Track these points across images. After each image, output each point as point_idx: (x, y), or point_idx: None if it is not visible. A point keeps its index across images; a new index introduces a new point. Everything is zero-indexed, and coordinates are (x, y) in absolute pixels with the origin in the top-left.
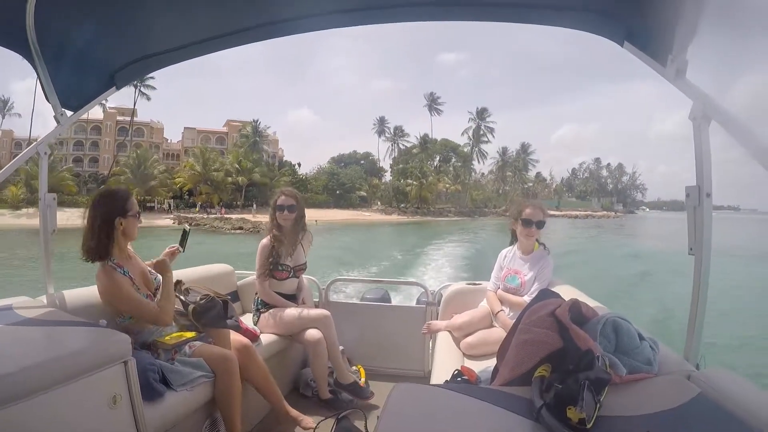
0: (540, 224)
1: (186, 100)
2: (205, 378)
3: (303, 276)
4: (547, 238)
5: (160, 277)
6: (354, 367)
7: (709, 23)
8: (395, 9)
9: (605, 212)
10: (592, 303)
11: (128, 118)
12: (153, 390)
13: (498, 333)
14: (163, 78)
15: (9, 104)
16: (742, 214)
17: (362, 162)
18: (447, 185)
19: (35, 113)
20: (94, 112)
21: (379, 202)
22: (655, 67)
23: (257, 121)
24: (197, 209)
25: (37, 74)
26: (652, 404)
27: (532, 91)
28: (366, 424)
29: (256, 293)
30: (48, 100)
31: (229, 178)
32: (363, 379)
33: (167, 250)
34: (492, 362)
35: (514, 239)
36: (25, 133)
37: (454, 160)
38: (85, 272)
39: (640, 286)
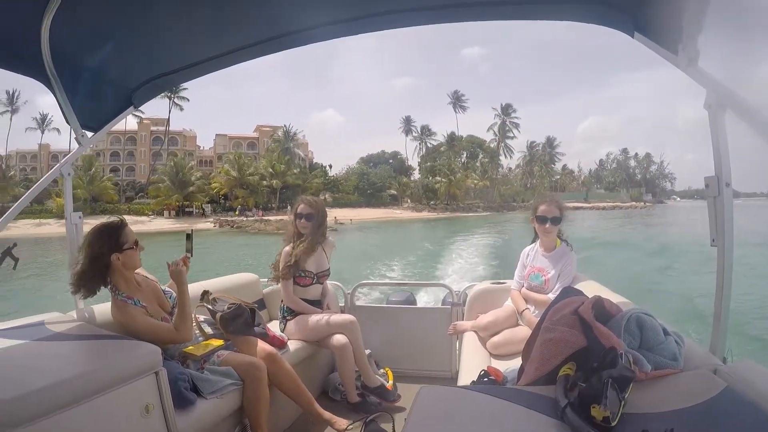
0: (555, 220)
1: (211, 107)
2: (234, 386)
3: (327, 282)
4: (573, 232)
5: (174, 294)
6: (382, 370)
7: (717, 10)
8: (401, 14)
9: (633, 203)
10: (616, 298)
11: (161, 128)
12: (184, 398)
13: (524, 332)
14: (187, 88)
15: (47, 120)
16: None
17: (391, 161)
18: (475, 181)
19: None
20: (129, 123)
21: (409, 200)
22: (667, 57)
23: (289, 125)
24: (237, 212)
25: (56, 98)
26: (678, 400)
27: (555, 84)
28: (393, 426)
29: (282, 301)
30: (68, 123)
31: (264, 182)
32: (390, 382)
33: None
34: (518, 361)
35: (536, 236)
36: (62, 145)
37: (481, 156)
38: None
39: (666, 279)
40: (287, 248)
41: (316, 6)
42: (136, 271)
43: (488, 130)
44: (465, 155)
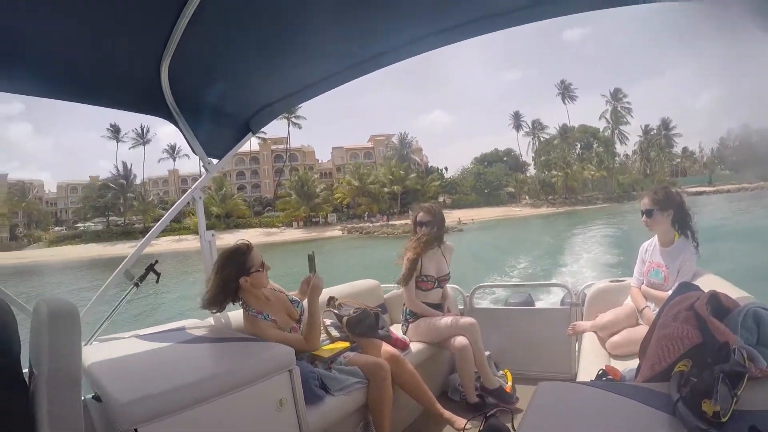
0: (648, 213)
1: (322, 121)
2: (359, 384)
3: (447, 285)
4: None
5: (302, 304)
6: (501, 372)
7: None
8: (504, 16)
9: (760, 183)
10: (736, 293)
11: (281, 146)
12: (314, 394)
13: (644, 331)
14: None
15: (177, 149)
16: None
17: (505, 159)
18: (592, 172)
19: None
20: (252, 145)
21: (526, 197)
22: None
23: (404, 133)
24: (365, 219)
25: (182, 132)
26: None
27: (665, 55)
28: (513, 422)
29: (404, 304)
30: (195, 153)
31: (385, 189)
32: (510, 383)
33: (303, 281)
34: (638, 361)
35: None
36: (187, 169)
37: (596, 145)
38: None
39: None
40: (409, 254)
41: (425, 17)
42: None
43: (600, 118)
44: (579, 146)
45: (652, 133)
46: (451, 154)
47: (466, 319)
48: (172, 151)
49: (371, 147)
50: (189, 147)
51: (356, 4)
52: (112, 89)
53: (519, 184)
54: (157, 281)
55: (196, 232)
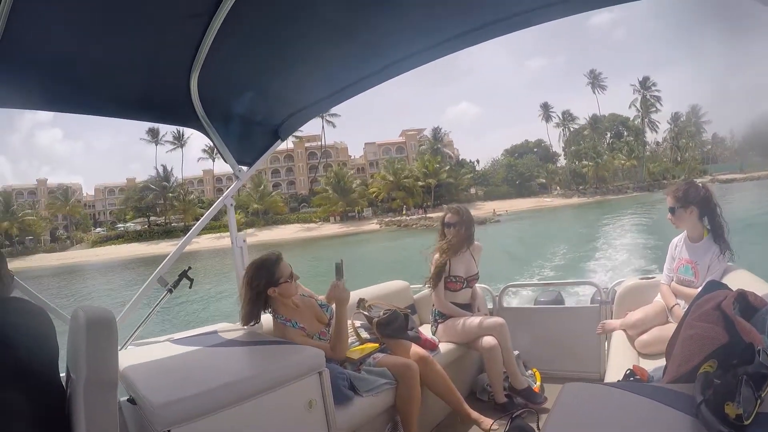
0: (671, 210)
1: (350, 116)
2: (388, 385)
3: (476, 285)
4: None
5: (332, 308)
6: (529, 371)
7: None
8: (530, 13)
9: None
10: (767, 289)
11: (314, 144)
12: (343, 395)
13: (673, 329)
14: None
15: (214, 153)
16: None
17: (536, 150)
18: (622, 161)
19: None
20: (287, 143)
21: (557, 187)
22: None
23: (438, 127)
24: (404, 212)
25: (212, 142)
26: None
27: (699, 37)
28: (538, 423)
29: (433, 305)
30: (225, 161)
31: (419, 183)
32: (538, 383)
33: (330, 286)
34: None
35: None
36: (225, 168)
37: (626, 134)
38: None
39: None
40: (437, 255)
41: (451, 18)
42: None
43: (630, 107)
44: (609, 136)
45: (681, 120)
46: (481, 145)
47: (495, 319)
48: (211, 152)
49: (403, 142)
50: (220, 155)
51: (377, 13)
52: (144, 103)
53: (550, 175)
54: (190, 287)
55: (238, 228)
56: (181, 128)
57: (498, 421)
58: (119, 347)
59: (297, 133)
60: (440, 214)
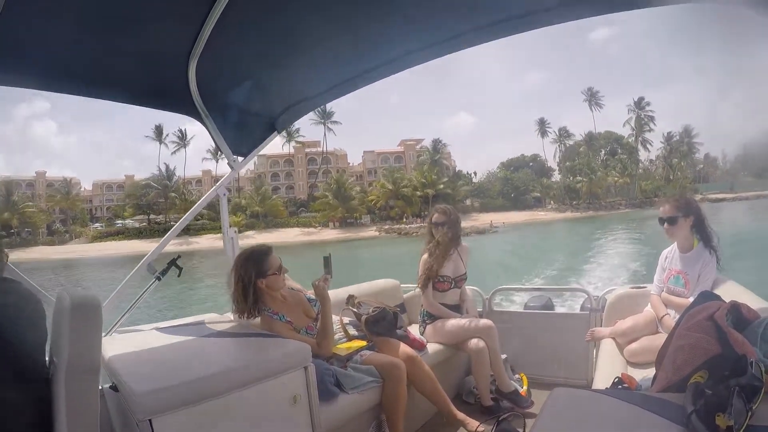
0: (671, 220)
1: (348, 123)
2: (374, 383)
3: (466, 286)
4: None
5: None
6: (517, 375)
7: None
8: (535, 15)
9: None
10: (757, 303)
11: (314, 150)
12: (328, 392)
13: (663, 339)
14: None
15: (219, 154)
16: None
17: (531, 164)
18: (615, 178)
19: None
20: (288, 147)
21: (551, 201)
22: None
23: (439, 139)
24: (404, 220)
25: (208, 130)
26: None
27: (691, 58)
28: (524, 428)
29: (422, 305)
30: (221, 150)
31: (418, 192)
32: (525, 387)
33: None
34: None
35: None
36: (225, 169)
37: (620, 152)
38: None
39: None
40: (425, 256)
41: (451, 18)
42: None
43: (624, 125)
44: (603, 153)
45: (674, 140)
46: (477, 156)
47: (484, 322)
48: (215, 153)
49: (402, 151)
50: (215, 145)
51: (377, 8)
52: (140, 86)
53: (545, 189)
54: (178, 275)
55: (239, 230)
56: (184, 128)
57: (484, 424)
58: (104, 333)
59: (299, 139)
60: None
